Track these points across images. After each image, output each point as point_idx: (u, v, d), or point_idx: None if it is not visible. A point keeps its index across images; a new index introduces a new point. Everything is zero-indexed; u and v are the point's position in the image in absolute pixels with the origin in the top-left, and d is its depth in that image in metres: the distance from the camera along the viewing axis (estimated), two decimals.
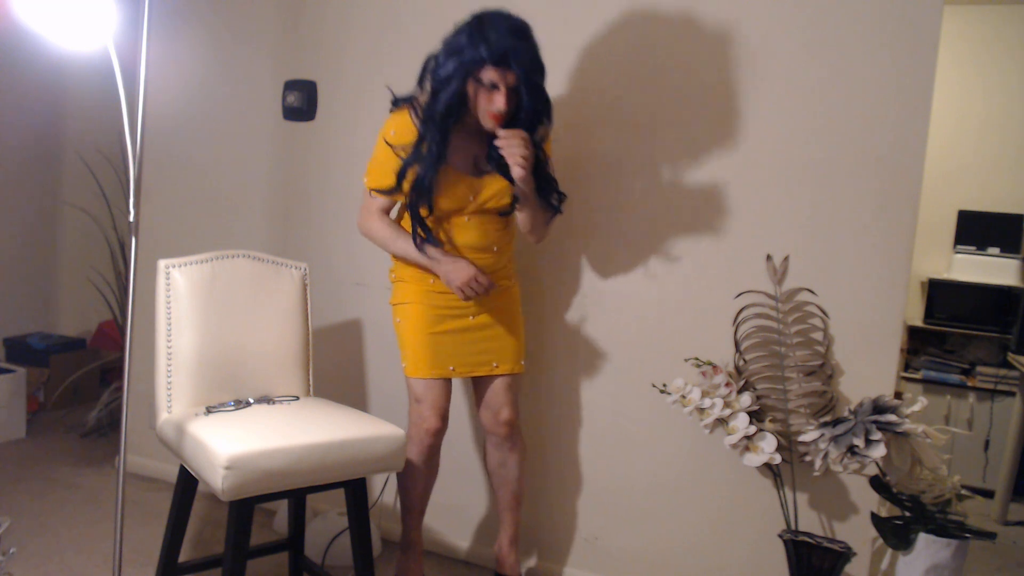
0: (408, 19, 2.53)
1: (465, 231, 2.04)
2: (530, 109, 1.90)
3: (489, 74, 1.84)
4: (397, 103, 2.03)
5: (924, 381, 3.81)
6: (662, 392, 2.13)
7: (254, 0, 2.79)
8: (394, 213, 2.16)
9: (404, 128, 1.97)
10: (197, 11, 2.88)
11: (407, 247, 2.02)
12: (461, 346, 2.11)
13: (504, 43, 1.80)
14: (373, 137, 2.59)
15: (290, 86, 2.72)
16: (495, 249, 2.09)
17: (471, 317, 2.10)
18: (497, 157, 1.96)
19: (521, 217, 2.07)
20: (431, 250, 1.99)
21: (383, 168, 2.00)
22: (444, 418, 2.12)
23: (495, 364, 2.14)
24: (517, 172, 1.91)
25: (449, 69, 1.87)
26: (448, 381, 2.14)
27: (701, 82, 2.19)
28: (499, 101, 1.86)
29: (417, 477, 2.15)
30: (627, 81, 2.27)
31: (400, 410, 2.57)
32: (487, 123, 1.92)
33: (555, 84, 2.30)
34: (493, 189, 2.02)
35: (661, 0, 2.22)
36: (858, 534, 2.07)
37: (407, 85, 2.53)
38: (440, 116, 1.89)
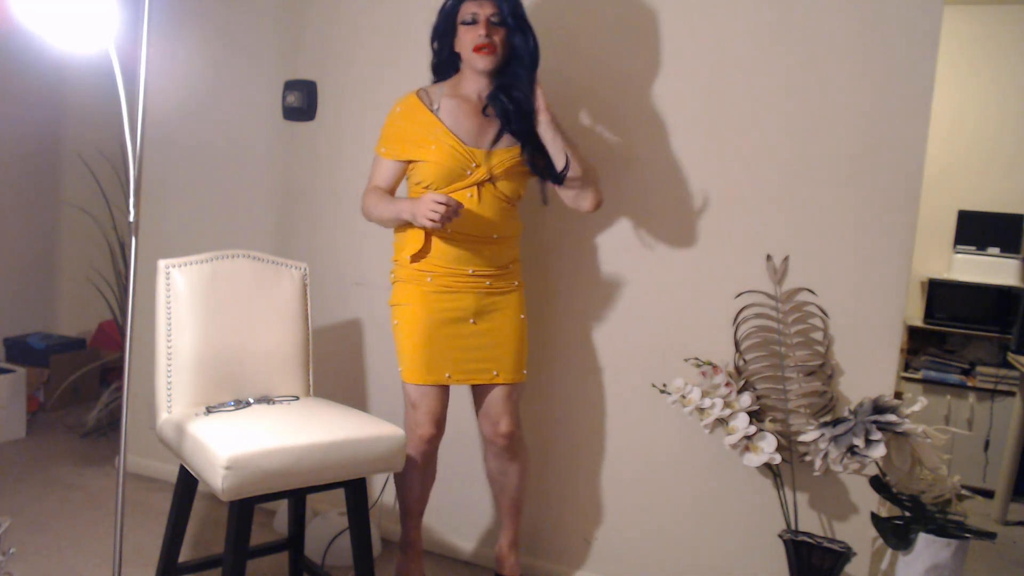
0: (408, 19, 2.53)
1: (467, 209, 1.99)
2: (520, 46, 1.98)
3: (467, 8, 1.97)
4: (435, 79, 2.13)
5: (924, 381, 3.81)
6: (662, 392, 2.13)
7: (254, 0, 2.79)
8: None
9: (411, 106, 2.05)
10: (197, 11, 2.88)
11: (389, 206, 2.02)
12: (459, 352, 2.06)
13: None
14: (374, 137, 2.60)
15: (290, 86, 2.72)
16: (495, 236, 2.04)
17: (471, 321, 2.06)
18: (501, 102, 2.00)
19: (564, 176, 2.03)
20: (397, 201, 2.01)
21: (392, 135, 2.06)
22: (439, 425, 2.08)
23: (495, 372, 2.09)
24: (543, 118, 2.00)
25: (439, 20, 2.04)
26: (445, 387, 2.10)
27: (700, 82, 2.19)
28: (479, 28, 1.95)
29: (414, 481, 2.14)
30: (626, 81, 2.27)
31: (400, 410, 2.57)
32: (477, 64, 1.98)
33: (554, 85, 2.30)
34: (501, 156, 2.03)
35: (662, 1, 2.22)
36: (858, 534, 2.07)
37: (406, 85, 2.54)
38: (443, 55, 2.08)
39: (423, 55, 2.50)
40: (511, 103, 1.99)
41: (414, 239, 2.03)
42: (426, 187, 2.01)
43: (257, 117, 2.80)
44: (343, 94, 2.65)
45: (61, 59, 3.61)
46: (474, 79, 2.04)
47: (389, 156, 2.07)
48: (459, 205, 1.90)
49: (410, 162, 2.05)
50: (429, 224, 1.89)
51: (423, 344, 2.04)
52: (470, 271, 2.04)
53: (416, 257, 2.04)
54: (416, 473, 2.12)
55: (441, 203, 1.86)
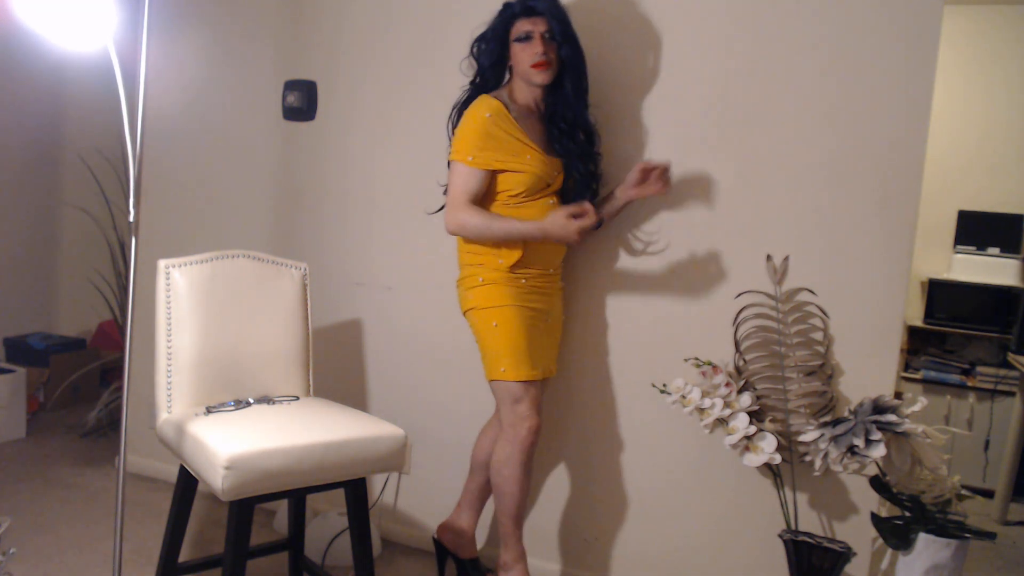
0: (408, 19, 2.53)
1: (545, 214, 2.05)
2: (569, 58, 2.04)
3: (521, 26, 2.01)
4: (474, 93, 2.11)
5: (924, 381, 3.81)
6: (662, 392, 2.13)
7: (254, 0, 2.79)
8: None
9: (499, 113, 2.02)
10: (197, 11, 2.88)
11: (508, 225, 1.99)
12: (543, 347, 2.13)
13: None
14: (373, 137, 2.61)
15: (290, 86, 2.72)
16: None
17: (547, 320, 2.14)
18: (558, 136, 2.09)
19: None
20: (529, 222, 1.98)
21: (485, 143, 2.00)
22: (541, 414, 2.09)
23: (551, 367, 2.20)
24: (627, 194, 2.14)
25: (488, 33, 2.07)
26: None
27: (700, 82, 2.19)
28: (535, 46, 2.00)
29: (527, 482, 2.09)
30: (625, 80, 2.27)
31: (401, 410, 2.57)
32: (535, 79, 2.03)
33: None
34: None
35: (662, 1, 2.22)
36: (858, 534, 2.07)
37: (406, 85, 2.54)
38: (485, 65, 2.09)
39: (422, 55, 2.51)
40: (573, 142, 2.09)
41: (511, 248, 2.05)
42: (513, 196, 2.05)
43: (257, 117, 2.80)
44: (343, 94, 2.65)
45: (61, 59, 3.61)
46: (528, 90, 2.09)
47: (481, 165, 2.01)
48: (595, 217, 2.00)
49: (497, 171, 2.04)
50: (575, 241, 1.98)
51: (528, 341, 2.06)
52: (551, 271, 2.14)
53: (515, 266, 2.06)
54: (528, 471, 2.08)
55: (589, 224, 1.95)
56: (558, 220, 1.95)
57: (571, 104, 2.08)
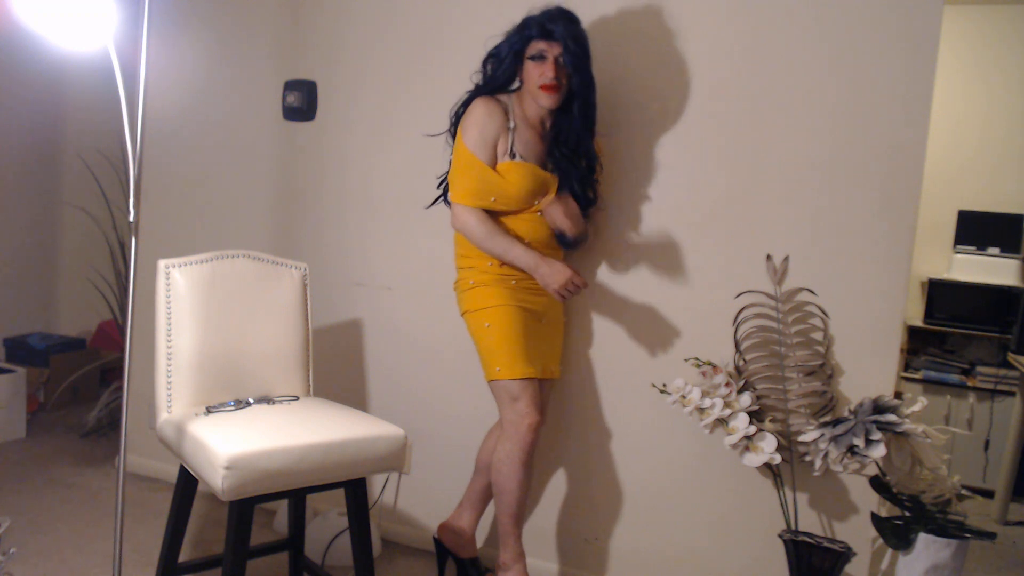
0: (408, 19, 2.53)
1: (535, 226, 2.08)
2: (579, 87, 2.02)
3: (536, 46, 2.00)
4: (475, 93, 2.10)
5: (924, 381, 3.81)
6: (662, 392, 2.13)
7: (254, 0, 2.79)
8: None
9: (496, 112, 2.03)
10: (197, 11, 2.88)
11: (506, 245, 2.02)
12: (537, 347, 2.12)
13: (548, 20, 1.99)
14: (373, 137, 2.60)
15: (290, 86, 2.72)
16: (555, 244, 2.15)
17: (541, 321, 2.14)
18: (557, 160, 2.08)
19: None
20: (530, 252, 2.02)
21: (487, 137, 2.03)
22: (542, 412, 2.09)
23: (552, 368, 2.19)
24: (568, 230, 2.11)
25: (503, 50, 2.05)
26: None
27: (700, 82, 2.19)
28: (547, 68, 1.99)
29: (527, 481, 2.09)
30: (626, 81, 2.27)
31: (401, 410, 2.57)
32: (542, 100, 2.02)
33: None
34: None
35: (663, 1, 2.22)
36: (858, 534, 2.07)
37: (406, 85, 2.54)
38: (498, 82, 2.08)
39: (422, 55, 2.51)
40: (574, 167, 2.08)
41: None
42: (502, 205, 2.04)
43: (257, 117, 2.80)
44: (343, 94, 2.65)
45: (61, 59, 3.61)
46: (536, 106, 2.07)
47: (486, 158, 2.03)
48: (586, 284, 2.05)
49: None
50: (558, 298, 2.04)
51: (522, 339, 2.06)
52: None
53: (505, 268, 2.08)
54: (528, 469, 2.08)
55: (579, 284, 2.01)
56: (556, 266, 2.01)
57: (576, 130, 2.06)
